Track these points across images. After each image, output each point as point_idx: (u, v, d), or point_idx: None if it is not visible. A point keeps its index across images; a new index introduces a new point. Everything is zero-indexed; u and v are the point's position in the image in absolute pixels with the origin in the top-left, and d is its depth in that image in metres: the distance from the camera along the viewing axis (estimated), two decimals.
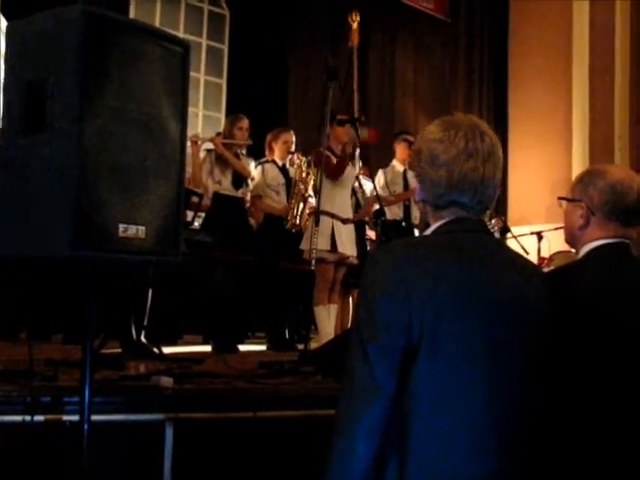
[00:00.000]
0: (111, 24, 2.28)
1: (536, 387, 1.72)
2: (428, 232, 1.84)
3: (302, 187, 6.09)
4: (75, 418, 2.53)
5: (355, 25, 5.41)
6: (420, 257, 1.67)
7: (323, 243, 5.37)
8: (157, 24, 8.20)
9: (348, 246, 5.64)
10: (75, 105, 2.17)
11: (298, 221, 5.99)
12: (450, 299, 1.62)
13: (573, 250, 2.32)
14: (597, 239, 2.13)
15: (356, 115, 5.43)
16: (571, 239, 2.24)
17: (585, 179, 2.18)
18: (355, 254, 5.75)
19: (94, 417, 2.49)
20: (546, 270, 6.21)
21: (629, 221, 2.12)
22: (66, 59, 2.18)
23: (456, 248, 1.72)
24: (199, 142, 6.13)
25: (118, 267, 2.57)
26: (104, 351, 4.15)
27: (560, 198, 2.26)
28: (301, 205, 6.07)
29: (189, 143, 5.96)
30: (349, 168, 5.81)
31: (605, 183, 2.11)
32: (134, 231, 2.35)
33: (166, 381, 3.24)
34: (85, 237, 2.19)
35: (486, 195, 1.79)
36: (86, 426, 2.41)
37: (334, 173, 5.54)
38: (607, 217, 2.11)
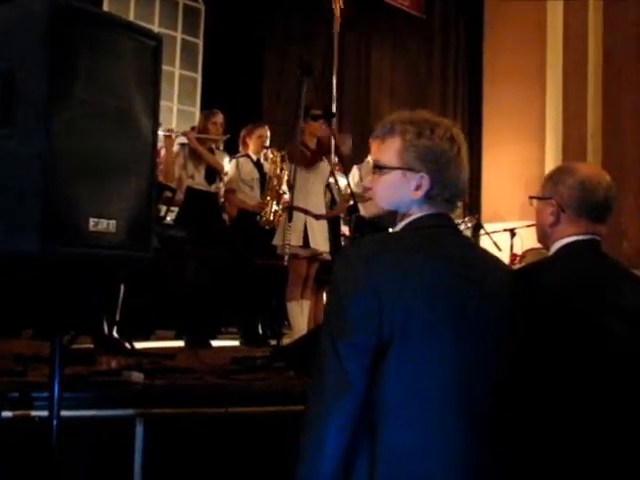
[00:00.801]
0: (80, 16, 2.24)
1: (508, 383, 1.73)
2: (398, 228, 1.83)
3: (276, 183, 6.07)
4: (44, 414, 2.51)
5: (338, 12, 5.37)
6: (391, 253, 1.67)
7: (296, 239, 5.36)
8: (131, 17, 8.12)
9: (321, 242, 5.63)
10: (43, 98, 2.14)
11: (272, 217, 5.97)
12: (420, 295, 1.62)
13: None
14: (568, 236, 2.14)
15: (334, 107, 5.40)
16: (542, 237, 2.25)
17: (555, 177, 2.20)
18: (328, 250, 5.74)
19: (64, 413, 2.47)
20: (518, 267, 6.25)
21: (599, 217, 2.14)
22: (33, 51, 2.15)
23: (426, 244, 1.73)
24: (173, 136, 6.10)
25: (88, 262, 2.54)
26: (75, 346, 4.12)
27: (531, 197, 2.28)
28: (275, 201, 6.05)
29: (163, 137, 5.94)
30: (323, 164, 5.81)
31: (574, 180, 2.13)
32: (105, 225, 2.33)
33: (137, 376, 3.22)
34: (54, 232, 2.17)
35: (464, 192, 1.85)
36: (55, 422, 2.39)
37: (308, 162, 5.50)
38: (577, 214, 2.13)
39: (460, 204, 8.12)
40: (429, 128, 1.79)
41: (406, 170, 1.80)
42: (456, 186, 1.80)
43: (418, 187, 1.78)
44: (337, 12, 5.30)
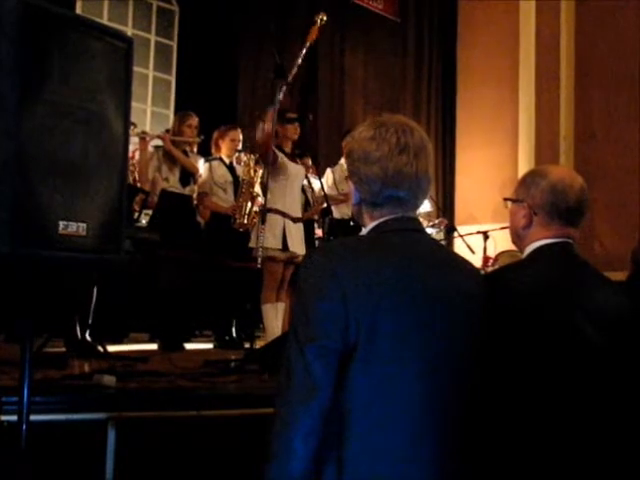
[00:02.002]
0: (50, 17, 2.23)
1: (476, 386, 1.74)
2: (364, 232, 1.84)
3: (250, 185, 6.06)
4: (13, 418, 2.49)
5: (319, 24, 5.42)
6: (356, 257, 1.67)
7: (274, 242, 5.35)
8: (105, 19, 8.10)
9: (298, 245, 5.62)
10: (12, 99, 2.12)
11: (246, 220, 5.95)
12: (386, 299, 1.62)
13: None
14: (540, 239, 2.15)
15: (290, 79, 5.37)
16: (516, 239, 2.27)
17: (527, 180, 2.21)
18: (304, 253, 5.73)
19: (34, 417, 2.44)
20: (491, 269, 6.29)
21: (571, 220, 2.15)
22: (2, 52, 2.13)
23: (392, 248, 1.73)
24: (147, 138, 6.09)
25: (58, 265, 2.52)
26: (48, 350, 4.09)
27: (505, 199, 2.29)
28: (249, 204, 6.04)
29: (137, 140, 5.92)
30: (298, 166, 5.81)
31: (546, 183, 2.14)
32: (75, 228, 2.32)
33: (109, 380, 3.20)
34: (23, 234, 2.15)
35: (421, 189, 1.81)
36: (24, 427, 2.36)
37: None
38: (549, 217, 2.14)
39: (433, 206, 8.16)
40: (364, 132, 1.82)
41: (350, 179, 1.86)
42: (376, 183, 1.78)
43: (354, 195, 1.84)
44: (318, 24, 5.32)
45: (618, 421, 1.99)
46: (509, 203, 2.26)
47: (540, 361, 1.96)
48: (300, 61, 5.20)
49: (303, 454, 1.58)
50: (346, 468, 1.60)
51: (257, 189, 6.00)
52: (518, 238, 2.24)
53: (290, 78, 5.09)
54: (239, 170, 6.33)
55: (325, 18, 5.29)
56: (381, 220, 1.80)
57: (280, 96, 4.88)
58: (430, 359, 1.65)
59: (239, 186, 6.17)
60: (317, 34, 5.29)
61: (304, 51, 5.20)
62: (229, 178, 6.28)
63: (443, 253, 1.87)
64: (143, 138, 6.04)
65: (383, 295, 1.62)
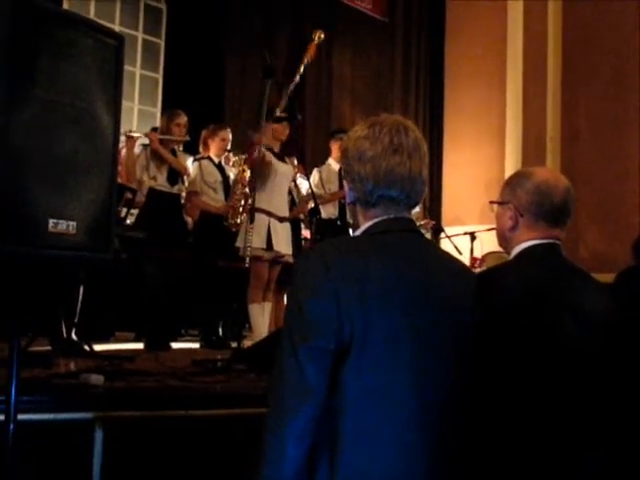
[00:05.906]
0: (41, 13, 2.22)
1: (463, 389, 1.75)
2: (358, 232, 1.84)
3: (242, 186, 6.04)
4: (0, 418, 2.47)
5: (316, 42, 5.44)
6: (349, 258, 1.67)
7: (258, 241, 5.35)
8: (92, 16, 8.04)
9: (283, 244, 5.63)
10: (2, 97, 2.11)
11: (239, 220, 5.92)
12: (379, 300, 1.62)
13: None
14: (527, 240, 2.16)
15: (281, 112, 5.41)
16: (503, 241, 2.27)
17: (513, 181, 2.22)
18: (290, 252, 5.74)
19: (21, 416, 2.43)
20: (479, 270, 6.30)
21: (557, 221, 2.16)
22: None
23: (384, 248, 1.73)
24: (134, 137, 6.05)
25: (47, 263, 2.51)
26: (34, 349, 4.07)
27: (491, 202, 2.30)
28: (242, 203, 6.01)
29: (124, 138, 5.89)
30: (286, 166, 5.80)
31: (531, 184, 2.15)
32: (64, 226, 2.31)
33: (96, 379, 3.19)
34: (12, 231, 2.14)
35: (415, 189, 1.81)
36: (12, 426, 2.35)
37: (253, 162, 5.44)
38: (535, 218, 2.15)
39: (420, 207, 8.18)
40: (359, 131, 1.83)
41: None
42: (368, 182, 1.79)
43: (349, 194, 1.85)
44: (316, 41, 5.36)
45: (604, 420, 2.00)
46: (495, 206, 2.27)
47: (526, 362, 1.96)
48: (298, 78, 5.20)
49: (295, 456, 1.58)
50: (338, 468, 1.60)
51: (247, 189, 5.98)
52: (505, 240, 2.24)
53: (290, 91, 5.10)
54: (228, 170, 6.31)
55: (323, 36, 5.31)
56: (375, 220, 1.80)
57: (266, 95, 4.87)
58: (422, 361, 1.65)
59: (231, 186, 6.15)
60: (315, 51, 5.30)
61: (302, 68, 5.21)
62: (219, 178, 6.25)
63: (437, 254, 1.87)
64: (130, 137, 6.01)
65: (375, 296, 1.62)
